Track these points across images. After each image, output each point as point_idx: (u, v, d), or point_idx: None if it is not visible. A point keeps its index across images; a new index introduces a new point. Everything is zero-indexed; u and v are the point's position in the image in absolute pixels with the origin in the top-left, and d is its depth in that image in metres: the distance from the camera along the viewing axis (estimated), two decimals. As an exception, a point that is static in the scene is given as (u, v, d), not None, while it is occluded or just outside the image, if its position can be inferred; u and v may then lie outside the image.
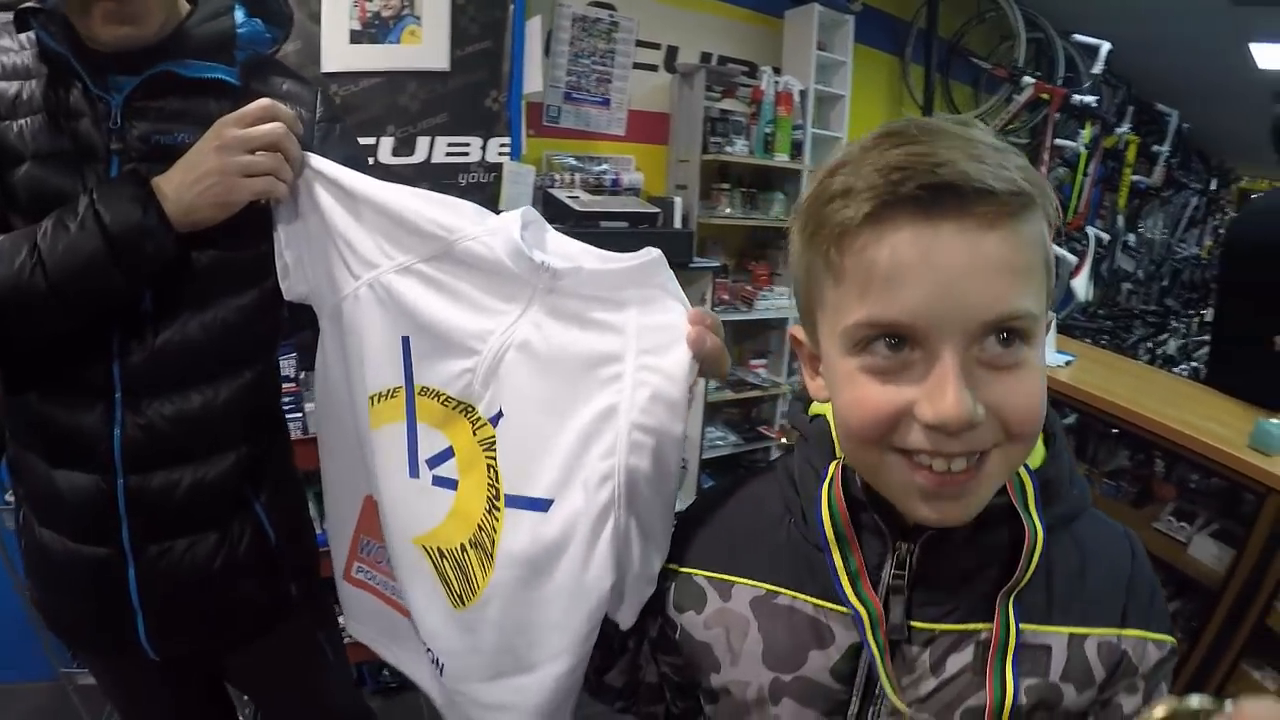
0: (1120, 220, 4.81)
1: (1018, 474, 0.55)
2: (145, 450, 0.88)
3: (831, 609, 0.59)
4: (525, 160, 2.70)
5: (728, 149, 3.12)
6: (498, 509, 0.68)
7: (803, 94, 3.34)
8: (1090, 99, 3.87)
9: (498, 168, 2.55)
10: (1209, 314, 5.19)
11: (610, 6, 3.06)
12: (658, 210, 2.91)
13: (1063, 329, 3.85)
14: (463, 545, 0.71)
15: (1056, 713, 0.56)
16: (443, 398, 0.72)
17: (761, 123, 3.21)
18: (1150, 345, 4.87)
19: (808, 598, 0.60)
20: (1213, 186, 6.45)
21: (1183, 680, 1.80)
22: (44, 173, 0.82)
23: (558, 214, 2.73)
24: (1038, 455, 0.59)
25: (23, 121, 0.82)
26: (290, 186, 0.81)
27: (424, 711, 1.98)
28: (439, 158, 2.39)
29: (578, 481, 0.64)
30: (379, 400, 0.75)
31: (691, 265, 2.93)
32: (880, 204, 0.45)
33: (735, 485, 0.72)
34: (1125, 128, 4.62)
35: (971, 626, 0.56)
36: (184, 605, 0.95)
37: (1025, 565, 0.54)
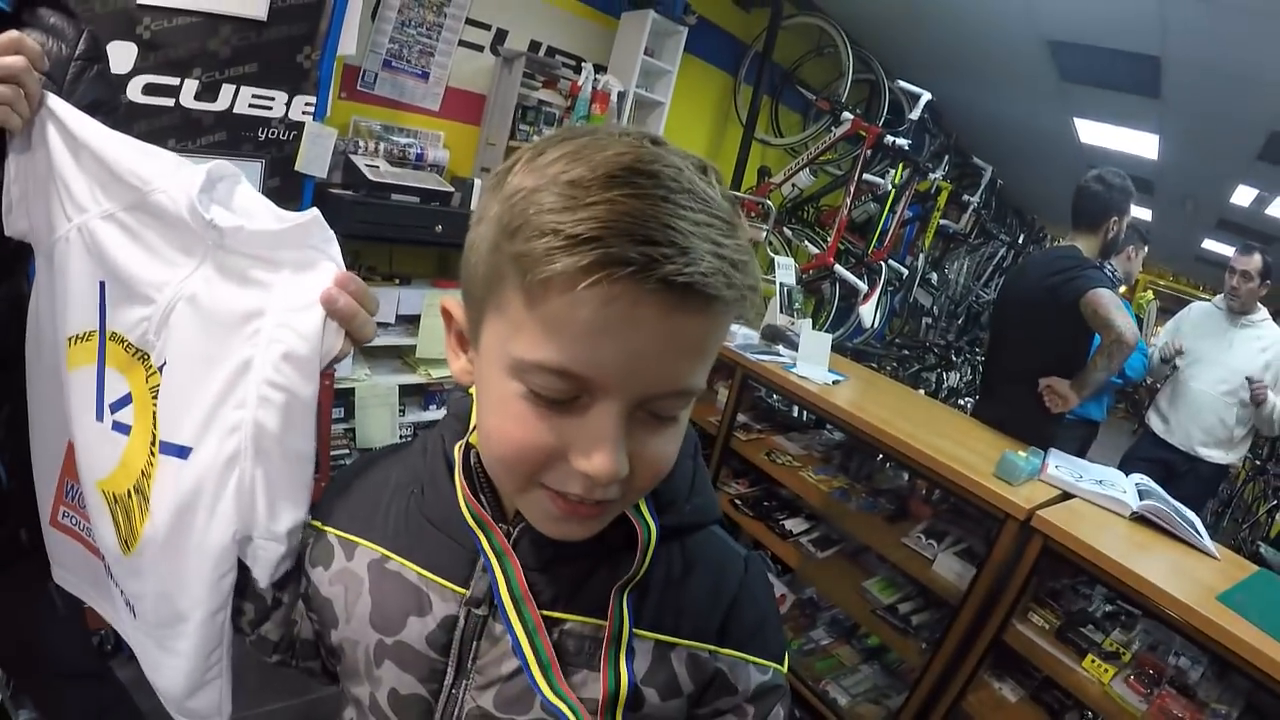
0: (922, 259, 5.20)
1: None
2: None
3: (432, 579, 0.62)
4: (330, 123, 2.63)
5: (534, 137, 3.10)
6: (154, 455, 0.71)
7: (621, 95, 3.39)
8: (904, 142, 4.12)
9: (299, 126, 2.52)
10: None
11: (447, -21, 2.99)
12: (453, 190, 2.86)
13: (857, 354, 4.14)
14: (129, 490, 0.73)
15: (639, 715, 0.59)
16: (125, 344, 0.74)
17: (574, 117, 3.23)
18: (935, 376, 5.29)
19: (413, 566, 0.62)
20: (1021, 241, 7.07)
21: (927, 685, 1.92)
22: None
23: (353, 181, 2.68)
24: None
25: None
26: (25, 121, 0.79)
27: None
28: (242, 108, 2.34)
29: (213, 430, 0.66)
30: (76, 342, 0.77)
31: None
32: (600, 261, 0.41)
33: (388, 451, 0.74)
34: (939, 174, 5.00)
35: (556, 615, 0.59)
36: None
37: (641, 560, 0.57)
